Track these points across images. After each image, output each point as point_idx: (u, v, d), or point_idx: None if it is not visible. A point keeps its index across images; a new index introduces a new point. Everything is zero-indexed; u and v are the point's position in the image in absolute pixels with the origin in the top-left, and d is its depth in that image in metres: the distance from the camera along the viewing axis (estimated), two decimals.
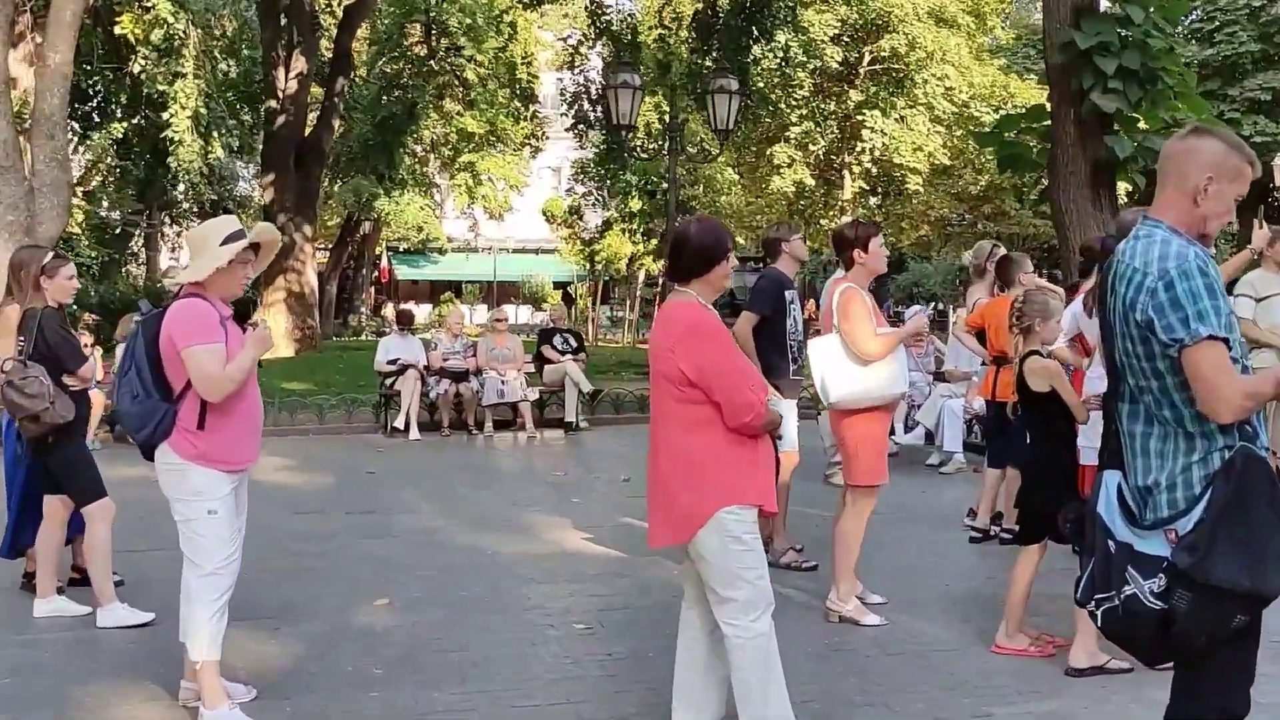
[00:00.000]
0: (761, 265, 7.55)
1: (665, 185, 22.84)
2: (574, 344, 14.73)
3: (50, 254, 6.23)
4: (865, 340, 5.86)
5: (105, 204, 29.29)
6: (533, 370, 14.90)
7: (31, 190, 13.39)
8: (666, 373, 4.16)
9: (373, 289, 49.85)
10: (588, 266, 34.22)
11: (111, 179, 29.90)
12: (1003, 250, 8.70)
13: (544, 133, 38.07)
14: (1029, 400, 5.44)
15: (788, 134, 29.91)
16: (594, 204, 30.88)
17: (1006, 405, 6.19)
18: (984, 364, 8.40)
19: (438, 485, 10.42)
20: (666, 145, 16.20)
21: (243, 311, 5.32)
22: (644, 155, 21.27)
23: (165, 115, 22.84)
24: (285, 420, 13.98)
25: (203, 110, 23.00)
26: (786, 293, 7.31)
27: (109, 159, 28.26)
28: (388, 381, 13.99)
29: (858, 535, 6.07)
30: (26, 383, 5.89)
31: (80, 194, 25.97)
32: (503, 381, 13.89)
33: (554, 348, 14.59)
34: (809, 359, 6.12)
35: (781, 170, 29.88)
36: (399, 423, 13.46)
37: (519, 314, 48.19)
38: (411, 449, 12.95)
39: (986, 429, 8.28)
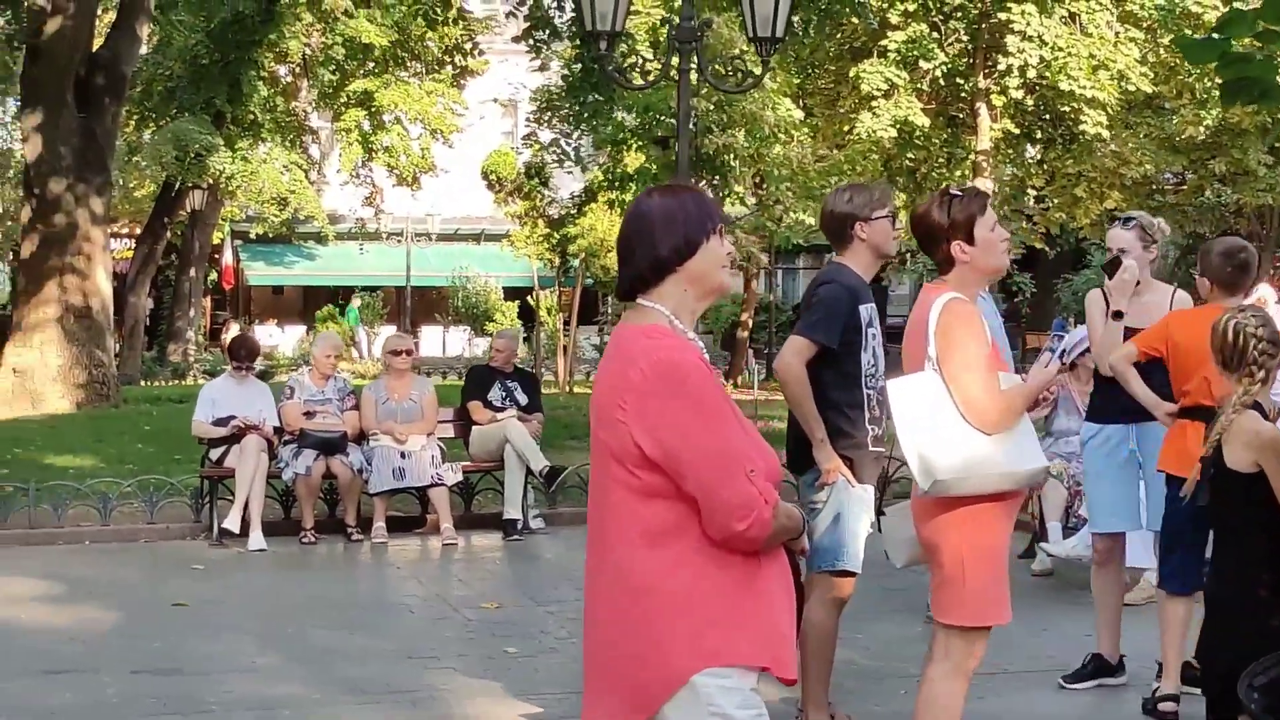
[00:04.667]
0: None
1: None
2: (523, 395, 14.75)
3: None
4: (981, 394, 5.84)
5: None
6: (453, 435, 14.89)
7: None
8: (613, 445, 4.19)
9: (208, 301, 50.04)
10: (556, 262, 34.25)
11: None
12: (1162, 226, 8.83)
13: (475, 44, 38.00)
14: (1224, 484, 5.44)
15: (884, 44, 29.98)
16: (564, 159, 30.91)
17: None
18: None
19: (289, 626, 10.45)
20: (676, 63, 16.27)
21: None
22: (640, 80, 21.29)
23: None
24: (46, 519, 14.04)
25: None
26: (861, 308, 7.40)
27: None
28: (214, 454, 14.03)
29: (952, 710, 6.06)
30: None
31: None
32: (402, 455, 13.92)
33: (487, 401, 14.61)
34: (895, 409, 6.12)
35: (875, 103, 29.89)
36: (231, 523, 13.49)
37: (449, 341, 48.44)
38: (251, 566, 12.93)
39: (1167, 527, 8.31)
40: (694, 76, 17.36)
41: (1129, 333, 8.34)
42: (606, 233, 30.48)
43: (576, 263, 33.21)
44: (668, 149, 25.00)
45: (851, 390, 7.29)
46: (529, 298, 42.33)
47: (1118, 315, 8.10)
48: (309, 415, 14.02)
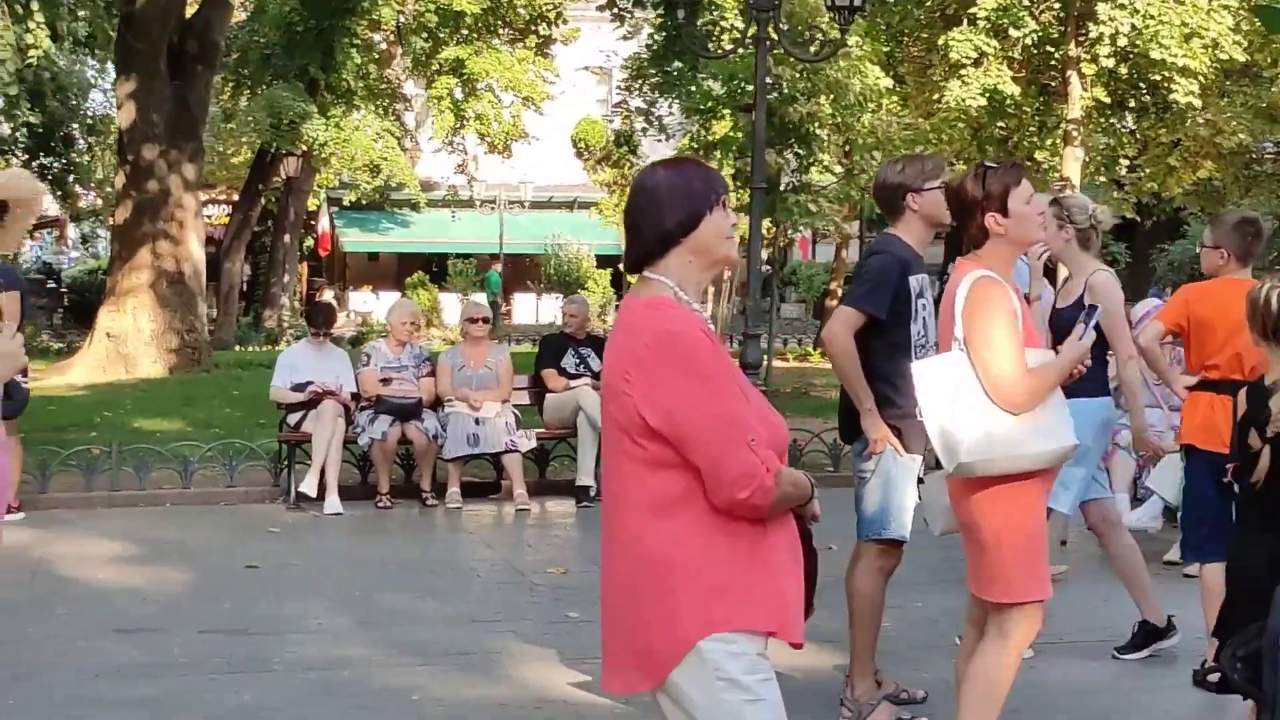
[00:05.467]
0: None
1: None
2: (596, 361, 14.83)
3: None
4: (1006, 374, 5.83)
5: None
6: (528, 402, 15.04)
7: None
8: (620, 417, 4.25)
9: (304, 267, 50.41)
10: None
11: None
12: (1102, 213, 8.81)
13: (559, 13, 37.88)
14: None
15: (973, 11, 29.72)
16: (649, 127, 30.83)
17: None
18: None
19: (358, 588, 10.63)
20: (754, 31, 16.30)
21: None
22: (722, 48, 21.34)
23: None
24: (129, 482, 14.27)
25: None
26: (912, 279, 7.40)
27: None
28: (291, 419, 14.23)
29: (1000, 684, 6.08)
30: None
31: None
32: (477, 421, 14.05)
33: (561, 368, 14.72)
34: (919, 391, 6.13)
35: (964, 72, 29.67)
36: (308, 487, 13.69)
37: (541, 308, 48.57)
38: (326, 529, 13.15)
39: (1194, 499, 8.34)
40: (777, 37, 17.34)
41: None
42: None
43: None
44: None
45: (900, 360, 7.27)
46: (620, 265, 42.41)
47: (1026, 299, 8.13)
48: (385, 382, 14.15)
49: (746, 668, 4.20)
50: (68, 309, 44.78)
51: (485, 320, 15.02)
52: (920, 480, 6.66)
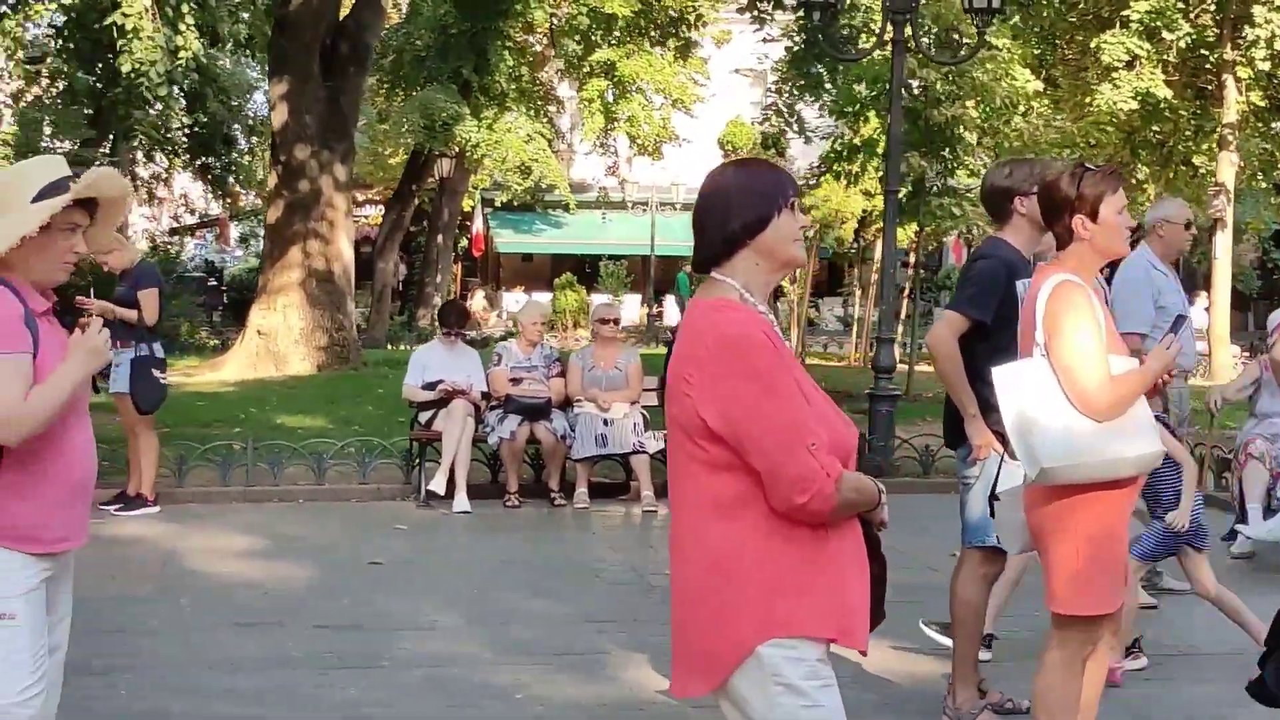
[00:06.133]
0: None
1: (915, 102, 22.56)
2: None
3: None
4: (1088, 381, 5.70)
5: (47, 130, 30.59)
6: (657, 404, 15.01)
7: None
8: (681, 419, 4.23)
9: (459, 267, 50.79)
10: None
11: (54, 91, 31.33)
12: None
13: (699, 15, 37.57)
14: None
15: (1126, 14, 29.33)
16: (788, 129, 30.78)
17: None
18: None
19: (477, 587, 10.72)
20: (890, 33, 16.18)
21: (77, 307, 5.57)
22: (859, 49, 21.14)
23: None
24: (263, 477, 14.47)
25: None
26: (1019, 283, 7.29)
27: (51, 60, 29.62)
28: (423, 418, 14.33)
29: (1062, 699, 6.01)
30: None
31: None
32: (605, 422, 14.07)
33: None
34: (1000, 395, 6.01)
35: (1115, 74, 29.29)
36: (437, 485, 13.77)
37: None
38: (453, 527, 13.23)
39: None
40: (925, 41, 17.20)
41: None
42: (840, 204, 30.42)
43: (810, 234, 33.12)
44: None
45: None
46: None
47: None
48: (515, 381, 14.21)
49: (806, 673, 4.15)
50: (227, 306, 45.49)
51: (616, 321, 15.05)
52: (994, 498, 6.51)
